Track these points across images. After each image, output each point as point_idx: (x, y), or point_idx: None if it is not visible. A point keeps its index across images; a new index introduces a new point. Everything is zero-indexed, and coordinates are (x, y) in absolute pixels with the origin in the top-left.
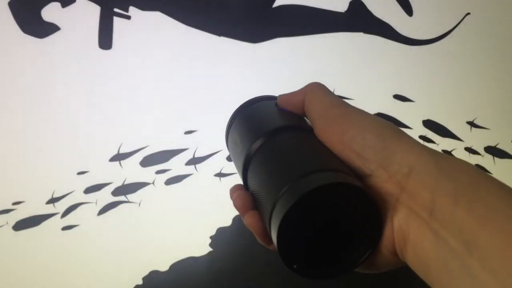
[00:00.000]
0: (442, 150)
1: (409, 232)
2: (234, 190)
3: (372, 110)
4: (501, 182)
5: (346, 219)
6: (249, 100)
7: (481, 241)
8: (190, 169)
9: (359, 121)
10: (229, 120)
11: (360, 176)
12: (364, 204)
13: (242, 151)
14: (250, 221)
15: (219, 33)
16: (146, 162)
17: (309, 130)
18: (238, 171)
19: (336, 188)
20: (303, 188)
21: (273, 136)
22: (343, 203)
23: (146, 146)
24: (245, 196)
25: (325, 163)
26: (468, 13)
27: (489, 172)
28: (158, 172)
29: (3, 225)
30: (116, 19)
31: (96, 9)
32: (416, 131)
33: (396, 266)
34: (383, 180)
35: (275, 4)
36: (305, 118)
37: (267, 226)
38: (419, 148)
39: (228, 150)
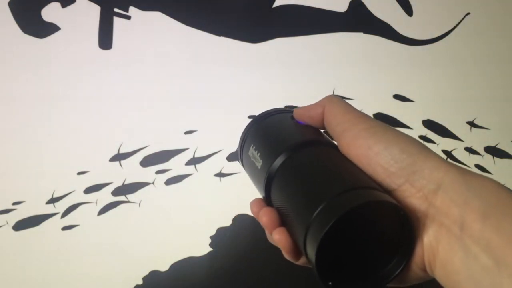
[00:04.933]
0: (442, 150)
1: (439, 248)
2: (257, 205)
3: (372, 110)
4: None
5: (378, 236)
6: (262, 113)
7: (510, 259)
8: (190, 169)
9: (385, 135)
10: (242, 134)
11: (386, 190)
12: (397, 222)
13: (263, 167)
14: (279, 237)
15: (219, 33)
16: (146, 162)
17: (330, 144)
18: (259, 187)
19: (373, 206)
20: (340, 207)
21: (296, 151)
22: (377, 220)
23: (146, 146)
24: (271, 213)
25: (358, 181)
26: (468, 13)
27: (489, 173)
28: (158, 172)
29: (3, 225)
30: (116, 19)
31: (96, 9)
32: (416, 131)
33: (424, 280)
34: (409, 195)
35: (275, 4)
36: (321, 131)
37: (299, 244)
38: (446, 164)
39: (243, 165)
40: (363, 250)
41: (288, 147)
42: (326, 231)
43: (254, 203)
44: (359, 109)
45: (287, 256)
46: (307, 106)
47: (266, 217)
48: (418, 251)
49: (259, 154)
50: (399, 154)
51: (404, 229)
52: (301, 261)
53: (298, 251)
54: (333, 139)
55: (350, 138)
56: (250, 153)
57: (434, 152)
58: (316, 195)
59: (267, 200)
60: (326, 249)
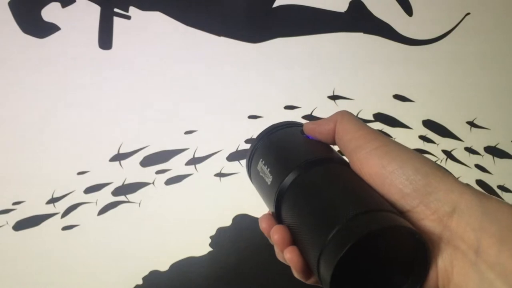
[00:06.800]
0: (442, 150)
1: (453, 272)
2: (267, 221)
3: (372, 110)
4: None
5: (392, 257)
6: (271, 127)
7: None
8: (190, 169)
9: (399, 154)
10: (251, 147)
11: (400, 211)
12: (412, 244)
13: (274, 183)
14: (290, 256)
15: (219, 33)
16: (146, 162)
17: (342, 162)
18: (268, 202)
19: (389, 231)
20: (356, 231)
21: (308, 168)
22: (391, 243)
23: (146, 146)
24: (283, 231)
25: (372, 203)
26: (468, 13)
27: (489, 173)
28: (158, 172)
29: (3, 225)
30: (116, 19)
31: (96, 9)
32: (416, 131)
33: None
34: (423, 217)
35: (275, 4)
36: (331, 147)
37: (312, 264)
38: (461, 186)
39: (251, 178)
40: (376, 271)
41: (300, 164)
42: (341, 256)
43: (264, 219)
44: (359, 109)
45: (297, 275)
46: (318, 121)
47: (278, 235)
48: (432, 274)
49: (268, 169)
50: (414, 174)
51: (418, 252)
52: (312, 280)
53: (309, 270)
54: (343, 155)
55: (363, 156)
56: (259, 168)
57: (448, 171)
58: (331, 216)
59: (277, 216)
60: (339, 270)
